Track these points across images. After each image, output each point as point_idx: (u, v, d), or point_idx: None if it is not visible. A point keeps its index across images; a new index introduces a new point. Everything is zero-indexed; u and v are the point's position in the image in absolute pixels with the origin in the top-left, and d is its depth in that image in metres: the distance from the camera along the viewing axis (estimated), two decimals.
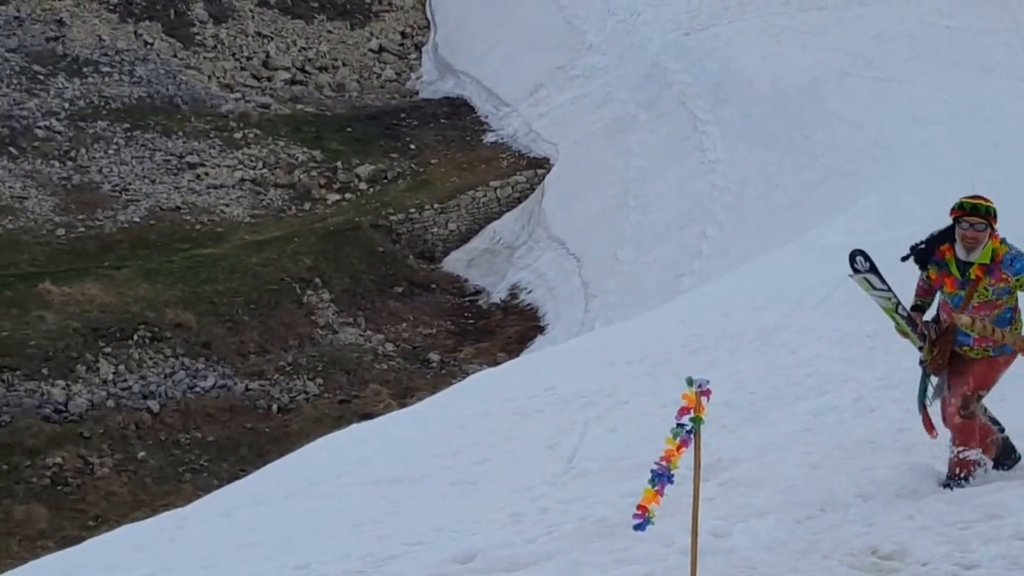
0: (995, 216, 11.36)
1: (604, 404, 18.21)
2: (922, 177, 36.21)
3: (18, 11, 54.66)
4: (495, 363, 36.40)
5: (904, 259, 11.83)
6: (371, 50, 59.92)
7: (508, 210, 49.10)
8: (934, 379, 12.16)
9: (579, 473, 14.44)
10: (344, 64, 58.90)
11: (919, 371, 12.01)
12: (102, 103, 52.21)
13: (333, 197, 50.26)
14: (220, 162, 50.91)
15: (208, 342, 41.05)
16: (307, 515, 15.69)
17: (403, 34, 60.94)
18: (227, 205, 48.76)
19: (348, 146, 52.83)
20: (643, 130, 48.87)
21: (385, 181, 51.16)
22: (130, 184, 48.63)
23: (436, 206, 48.89)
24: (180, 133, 51.80)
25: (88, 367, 38.78)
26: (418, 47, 60.56)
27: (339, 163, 51.83)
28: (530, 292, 45.11)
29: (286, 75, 57.63)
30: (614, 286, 41.64)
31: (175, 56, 56.00)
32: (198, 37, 57.14)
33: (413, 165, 52.01)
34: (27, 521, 33.30)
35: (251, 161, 51.03)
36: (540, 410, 18.84)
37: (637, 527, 9.16)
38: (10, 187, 47.09)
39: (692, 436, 9.21)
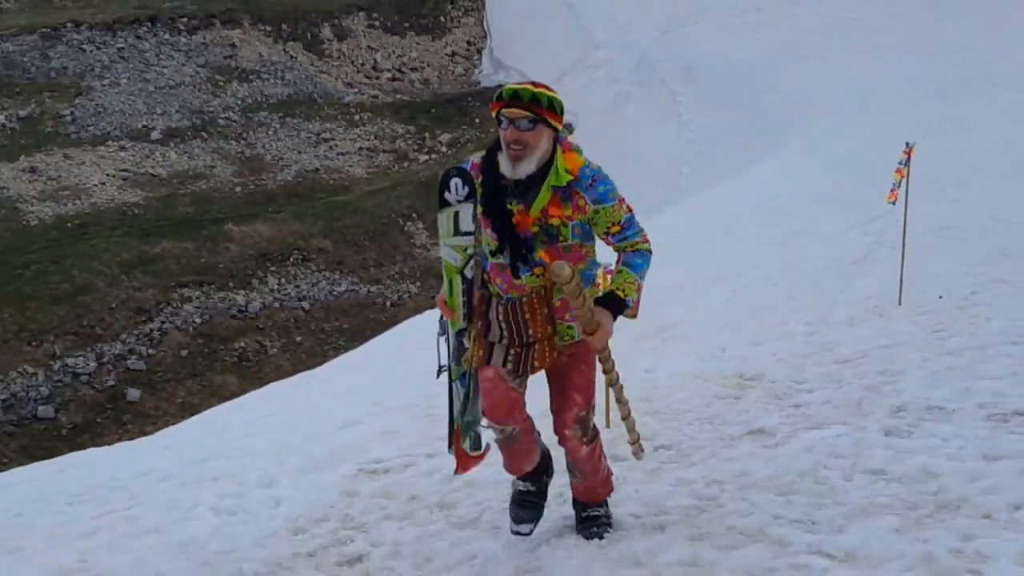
0: (556, 110, 5.67)
1: None
2: (837, 125, 36.17)
3: (204, 39, 54.85)
4: None
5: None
6: (447, 54, 59.86)
7: None
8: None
9: None
10: (428, 65, 58.91)
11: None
12: (263, 99, 52.41)
13: (423, 157, 50.44)
14: (345, 136, 51.08)
15: (341, 260, 41.34)
16: (392, 371, 15.99)
17: (468, 42, 60.81)
18: (351, 167, 48.98)
19: (432, 122, 52.96)
20: (636, 103, 48.75)
21: (459, 145, 51.24)
22: (284, 155, 48.89)
23: None
24: (317, 118, 51.97)
25: (260, 281, 39.20)
26: (479, 51, 60.41)
27: (427, 134, 51.99)
28: None
29: (388, 75, 57.68)
30: None
31: (312, 65, 56.08)
32: (327, 51, 57.21)
33: (477, 133, 52.05)
34: (223, 387, 33.66)
35: (366, 135, 51.23)
36: None
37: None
38: (202, 160, 47.42)
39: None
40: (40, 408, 32.73)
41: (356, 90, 55.37)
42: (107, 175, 45.03)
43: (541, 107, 5.61)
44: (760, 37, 49.26)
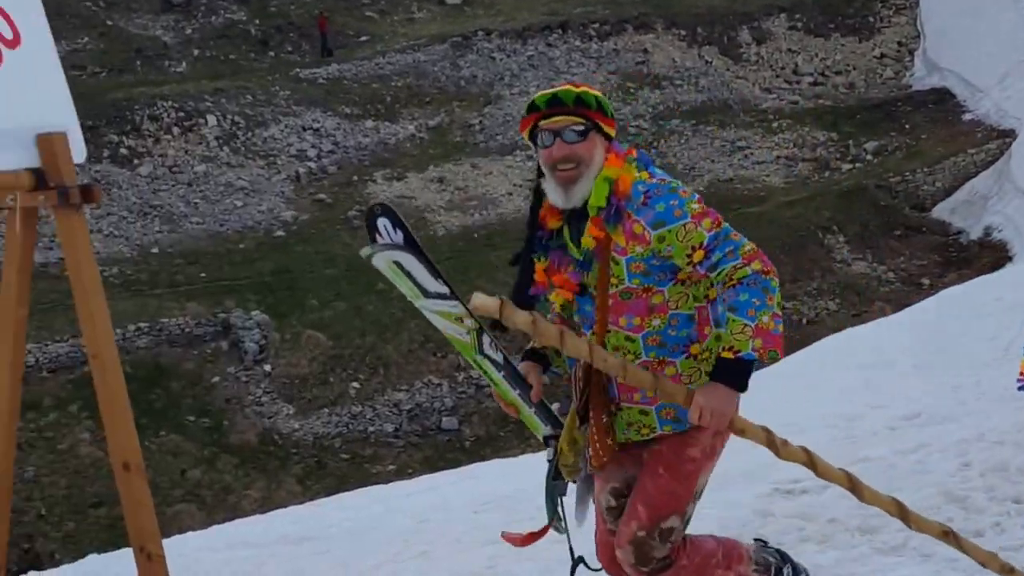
0: (606, 113, 4.57)
1: None
2: None
3: (615, 45, 55.88)
4: None
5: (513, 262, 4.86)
6: (874, 57, 58.73)
7: (982, 170, 47.37)
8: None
9: (1011, 356, 13.64)
10: (854, 68, 57.90)
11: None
12: (675, 106, 52.98)
13: (846, 166, 49.73)
14: (761, 145, 50.93)
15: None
16: (808, 389, 15.64)
17: (899, 43, 59.44)
18: (767, 176, 48.81)
19: (857, 128, 52.04)
20: None
21: (886, 153, 50.29)
22: (696, 163, 49.20)
23: (925, 169, 47.76)
24: (732, 125, 52.03)
25: None
26: (911, 52, 58.95)
27: (851, 141, 51.16)
28: (1001, 231, 43.59)
29: (810, 79, 57.14)
30: None
31: (728, 70, 56.21)
32: (744, 55, 57.17)
33: (907, 140, 50.89)
34: None
35: (784, 143, 50.88)
36: (989, 314, 18.24)
37: (1020, 388, 9.16)
38: None
39: None
40: (444, 419, 34.05)
41: (775, 96, 55.05)
42: (514, 185, 46.45)
43: (590, 109, 4.50)
44: None
